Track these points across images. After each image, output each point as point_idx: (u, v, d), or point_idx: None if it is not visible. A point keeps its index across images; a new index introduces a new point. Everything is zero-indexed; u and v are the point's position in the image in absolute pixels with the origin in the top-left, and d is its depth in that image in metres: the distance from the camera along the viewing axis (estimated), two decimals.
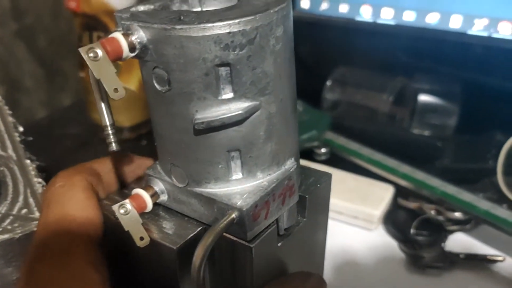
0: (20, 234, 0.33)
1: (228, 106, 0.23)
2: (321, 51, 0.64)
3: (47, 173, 0.37)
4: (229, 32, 0.21)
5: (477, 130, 0.58)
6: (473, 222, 0.48)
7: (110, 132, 0.25)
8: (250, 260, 0.25)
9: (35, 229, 0.33)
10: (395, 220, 0.49)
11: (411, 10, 0.54)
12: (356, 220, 0.50)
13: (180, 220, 0.27)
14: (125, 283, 0.28)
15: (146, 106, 0.65)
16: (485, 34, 0.52)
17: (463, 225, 0.48)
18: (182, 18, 0.22)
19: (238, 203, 0.24)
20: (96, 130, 0.65)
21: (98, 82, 0.24)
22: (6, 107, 0.39)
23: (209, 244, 0.23)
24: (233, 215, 0.24)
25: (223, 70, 0.22)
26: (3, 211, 0.33)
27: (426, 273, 0.45)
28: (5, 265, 0.33)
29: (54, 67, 0.83)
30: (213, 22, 0.21)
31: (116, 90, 0.22)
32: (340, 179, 0.53)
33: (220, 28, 0.21)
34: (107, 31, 0.57)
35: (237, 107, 0.23)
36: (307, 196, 0.29)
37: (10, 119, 0.38)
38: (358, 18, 0.57)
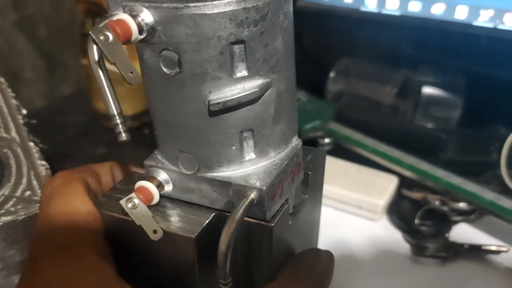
0: (23, 216, 0.32)
1: (243, 84, 0.23)
2: (325, 41, 0.64)
3: (50, 159, 0.37)
4: (244, 8, 0.21)
5: (480, 123, 0.57)
6: (477, 212, 0.48)
7: (118, 121, 0.23)
8: (269, 240, 0.25)
9: (38, 211, 0.33)
10: (399, 211, 0.49)
11: (416, 0, 0.54)
12: (360, 210, 0.49)
13: (188, 209, 0.26)
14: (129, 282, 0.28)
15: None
16: (490, 25, 0.52)
17: (467, 215, 0.48)
18: None
19: (257, 183, 0.24)
20: (98, 119, 0.64)
21: (102, 68, 0.22)
22: (9, 90, 0.38)
23: (234, 229, 0.23)
24: (252, 196, 0.24)
25: (237, 48, 0.22)
26: (6, 193, 0.33)
27: (430, 263, 0.45)
28: (7, 247, 0.33)
29: (54, 58, 0.83)
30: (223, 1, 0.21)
31: (131, 73, 0.21)
32: (344, 169, 0.53)
33: (235, 4, 0.21)
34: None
35: (251, 85, 0.23)
36: (309, 173, 0.29)
37: (14, 101, 0.38)
38: (363, 8, 0.57)
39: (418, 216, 0.47)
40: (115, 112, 0.23)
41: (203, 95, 0.23)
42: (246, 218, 0.25)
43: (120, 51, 0.21)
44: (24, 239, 0.33)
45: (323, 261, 0.28)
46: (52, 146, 0.41)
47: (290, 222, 0.27)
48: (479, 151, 0.56)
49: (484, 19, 0.52)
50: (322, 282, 0.27)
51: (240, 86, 0.23)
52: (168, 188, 0.26)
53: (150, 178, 0.26)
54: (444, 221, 0.47)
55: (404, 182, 0.51)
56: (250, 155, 0.25)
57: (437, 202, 0.48)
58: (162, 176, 0.26)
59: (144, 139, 0.63)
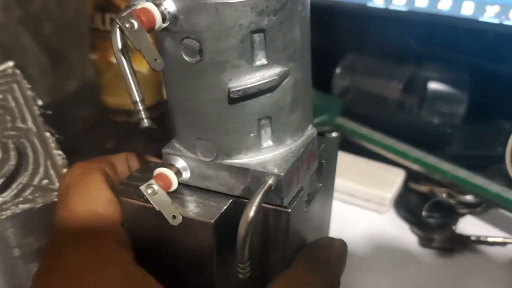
0: (40, 204, 0.33)
1: (262, 72, 0.23)
2: (331, 37, 0.64)
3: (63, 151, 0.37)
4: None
5: (485, 118, 0.58)
6: (484, 205, 0.48)
7: (140, 108, 0.24)
8: (286, 226, 0.25)
9: (56, 199, 0.33)
10: (407, 203, 0.50)
11: None
12: (367, 202, 0.50)
13: (206, 195, 0.27)
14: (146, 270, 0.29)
15: (157, 89, 0.65)
16: (496, 21, 0.53)
17: (474, 208, 0.48)
18: None
19: (276, 170, 0.24)
20: (107, 113, 0.65)
21: (126, 56, 0.23)
22: (25, 81, 0.39)
23: (254, 214, 0.23)
24: (270, 182, 0.24)
25: (257, 37, 0.22)
26: (24, 182, 0.34)
27: (437, 254, 0.45)
28: (24, 235, 0.33)
29: (59, 54, 0.83)
30: None
31: (156, 60, 0.22)
32: (351, 163, 0.53)
33: None
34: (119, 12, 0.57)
35: (270, 74, 0.23)
36: (323, 161, 0.29)
37: (30, 92, 0.38)
38: (370, 4, 0.58)
39: (425, 209, 0.48)
40: (138, 99, 0.23)
41: (223, 82, 0.23)
42: (263, 204, 0.25)
43: (145, 38, 0.21)
44: (41, 227, 0.33)
45: (337, 250, 0.28)
46: (62, 140, 0.42)
47: (305, 210, 0.27)
48: (484, 145, 0.56)
49: (490, 15, 0.52)
50: (336, 271, 0.27)
51: (260, 74, 0.23)
52: (186, 175, 0.27)
53: (169, 165, 0.26)
54: (451, 214, 0.48)
55: (411, 176, 0.52)
56: (267, 142, 0.25)
57: (444, 195, 0.49)
58: (180, 163, 0.26)
59: (153, 133, 0.63)
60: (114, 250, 0.24)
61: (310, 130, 0.27)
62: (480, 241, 0.46)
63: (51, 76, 0.83)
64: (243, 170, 0.25)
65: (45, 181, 0.34)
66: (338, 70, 0.63)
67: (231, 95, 0.23)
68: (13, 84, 0.38)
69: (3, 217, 0.31)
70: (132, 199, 0.27)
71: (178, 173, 0.27)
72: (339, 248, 0.28)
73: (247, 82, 0.23)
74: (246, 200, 0.25)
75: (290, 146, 0.26)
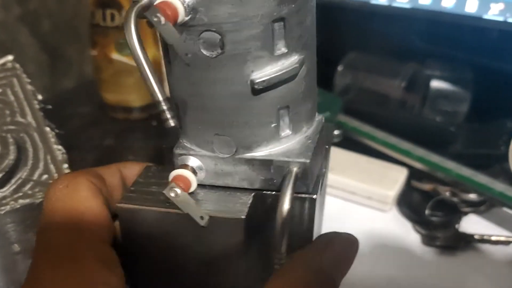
0: (40, 199, 0.32)
1: (282, 61, 0.23)
2: (333, 34, 0.64)
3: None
4: None
5: (489, 117, 0.58)
6: (487, 204, 0.48)
7: (165, 107, 0.22)
8: (312, 212, 0.25)
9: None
10: (409, 202, 0.49)
11: None
12: (370, 201, 0.50)
13: (223, 192, 0.26)
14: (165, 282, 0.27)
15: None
16: (500, 18, 0.52)
17: (477, 206, 0.48)
18: None
19: (301, 158, 0.24)
20: (106, 110, 0.64)
21: (144, 54, 0.21)
22: (25, 75, 0.38)
23: (290, 206, 0.23)
24: (296, 170, 0.24)
25: (277, 26, 0.22)
26: (23, 177, 0.33)
27: (440, 253, 0.45)
28: (24, 230, 0.33)
29: (57, 52, 0.82)
30: None
31: (187, 54, 0.21)
32: (353, 160, 0.53)
33: None
34: (120, 8, 0.56)
35: (289, 62, 0.23)
36: (327, 146, 0.29)
37: (29, 87, 0.38)
38: (373, 1, 0.57)
39: (429, 207, 0.48)
40: (161, 98, 0.22)
41: (246, 74, 0.23)
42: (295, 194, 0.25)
43: (175, 32, 0.21)
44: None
45: (337, 250, 0.26)
46: (60, 136, 0.41)
47: (320, 194, 0.27)
48: (487, 144, 0.56)
49: (494, 13, 0.52)
50: (330, 274, 0.25)
51: (280, 63, 0.23)
52: (201, 174, 0.26)
53: (183, 166, 0.25)
54: (454, 212, 0.48)
55: (414, 174, 0.52)
56: (285, 131, 0.25)
57: (447, 193, 0.49)
58: (195, 162, 0.26)
59: (152, 131, 0.63)
60: (93, 270, 0.23)
61: (318, 117, 0.28)
62: (483, 240, 0.45)
63: (49, 74, 0.82)
64: (266, 162, 0.25)
65: (44, 176, 0.33)
66: (340, 68, 0.63)
67: (256, 87, 0.23)
68: (12, 78, 0.38)
69: (3, 212, 0.31)
70: (150, 207, 0.25)
71: (194, 173, 0.26)
72: (339, 247, 0.26)
73: (269, 72, 0.23)
74: (268, 192, 0.26)
75: (306, 133, 0.26)
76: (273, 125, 0.25)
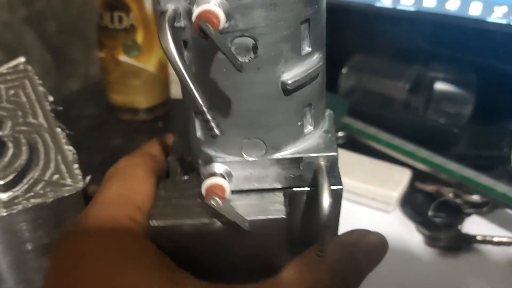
0: (51, 199, 0.33)
1: (308, 61, 0.24)
2: (338, 37, 0.64)
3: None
4: None
5: (492, 119, 0.58)
6: (490, 205, 0.48)
7: (209, 117, 0.22)
8: (339, 203, 0.26)
9: (66, 194, 0.34)
10: (413, 203, 0.50)
11: None
12: (373, 201, 0.50)
13: (254, 194, 0.26)
14: None
15: (163, 88, 0.66)
16: (504, 21, 0.53)
17: (480, 208, 0.48)
18: None
19: (329, 151, 0.25)
20: (113, 111, 0.65)
21: (185, 63, 0.21)
22: (36, 77, 0.39)
23: (331, 199, 0.23)
24: (324, 164, 0.25)
25: (303, 27, 0.23)
26: (35, 176, 0.34)
27: (443, 254, 0.46)
28: (35, 229, 0.33)
29: (63, 53, 0.83)
30: None
31: (238, 62, 0.21)
32: (357, 162, 0.53)
33: None
34: (128, 10, 0.57)
35: (313, 60, 0.24)
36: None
37: (41, 88, 0.38)
38: (377, 4, 0.58)
39: (432, 208, 0.48)
40: (205, 108, 0.22)
41: (277, 76, 0.23)
42: (310, 188, 0.26)
43: (223, 40, 0.20)
44: (52, 221, 0.33)
45: (366, 249, 0.27)
46: (69, 136, 0.42)
47: None
48: (490, 146, 0.57)
49: (498, 15, 0.53)
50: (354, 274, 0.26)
51: (306, 62, 0.24)
52: (231, 180, 0.26)
53: (214, 174, 0.25)
54: (457, 213, 0.48)
55: (417, 175, 0.52)
56: (308, 128, 0.26)
57: (450, 195, 0.49)
58: (223, 169, 0.26)
59: (158, 132, 0.64)
60: (146, 261, 0.23)
61: (328, 111, 0.28)
62: (485, 241, 0.46)
63: (55, 75, 0.83)
64: (295, 160, 0.25)
65: (56, 176, 0.34)
66: (344, 70, 0.63)
67: (289, 87, 0.23)
68: (24, 80, 0.38)
69: (15, 211, 0.32)
70: (187, 220, 0.25)
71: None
72: (370, 244, 0.27)
73: (297, 72, 0.23)
74: (297, 189, 0.26)
75: (323, 128, 0.27)
76: (299, 123, 0.25)
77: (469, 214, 0.48)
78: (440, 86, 0.60)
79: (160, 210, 0.25)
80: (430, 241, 0.46)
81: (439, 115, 0.60)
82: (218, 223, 0.24)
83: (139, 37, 0.59)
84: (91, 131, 0.64)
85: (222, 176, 0.25)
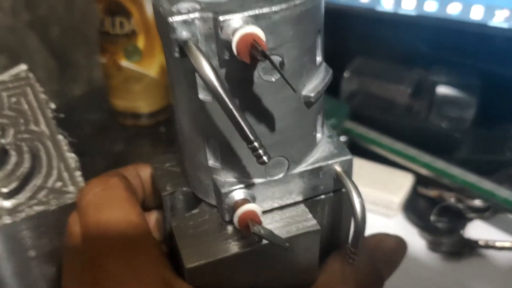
0: (54, 207, 0.33)
1: (320, 69, 0.24)
2: (340, 41, 0.64)
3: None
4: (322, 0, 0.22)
5: (494, 123, 0.58)
6: (492, 210, 0.48)
7: (257, 145, 0.21)
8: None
9: (69, 201, 0.34)
10: (415, 208, 0.50)
11: (432, 0, 0.55)
12: (375, 206, 0.50)
13: (273, 212, 0.26)
14: None
15: (165, 93, 0.66)
16: (505, 25, 0.53)
17: (482, 212, 0.48)
18: None
19: (345, 156, 0.25)
20: (115, 116, 0.65)
21: (225, 93, 0.20)
22: (38, 84, 0.39)
23: (363, 201, 0.24)
24: (339, 169, 0.25)
25: (318, 37, 0.23)
26: (38, 184, 0.34)
27: (445, 259, 0.45)
28: (38, 236, 0.34)
29: (66, 58, 0.83)
30: None
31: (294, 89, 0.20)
32: (359, 166, 0.53)
33: None
34: (129, 16, 0.57)
35: (323, 69, 0.24)
36: None
37: (43, 96, 0.39)
38: (379, 8, 0.58)
39: (434, 213, 0.48)
40: (253, 137, 0.20)
41: (300, 90, 0.23)
42: (329, 194, 0.26)
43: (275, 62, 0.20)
44: (54, 229, 0.34)
45: (386, 251, 0.27)
46: (71, 143, 0.42)
47: None
48: (492, 150, 0.57)
49: (499, 20, 0.53)
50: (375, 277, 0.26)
51: (319, 71, 0.24)
52: (256, 203, 0.25)
53: (242, 201, 0.24)
54: (459, 218, 0.48)
55: (420, 180, 0.52)
56: (318, 136, 0.26)
57: (452, 200, 0.49)
58: (247, 194, 0.25)
59: (160, 137, 0.64)
60: (155, 255, 0.24)
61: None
62: (488, 246, 0.46)
63: (59, 79, 0.83)
64: (315, 170, 0.25)
65: (58, 184, 0.34)
66: (346, 74, 0.63)
67: (312, 100, 0.23)
68: (26, 88, 0.39)
69: (18, 219, 0.32)
70: (223, 254, 0.24)
71: None
72: (390, 247, 0.27)
73: (316, 82, 0.23)
74: (316, 198, 0.26)
75: (327, 133, 0.27)
76: (314, 133, 0.25)
77: (471, 219, 0.48)
78: (442, 90, 0.60)
79: (190, 250, 0.24)
80: (433, 246, 0.46)
81: (441, 119, 0.60)
82: (256, 249, 0.24)
83: (140, 42, 0.59)
84: (93, 136, 0.64)
85: (249, 201, 0.24)
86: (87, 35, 0.82)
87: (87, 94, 0.81)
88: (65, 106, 0.75)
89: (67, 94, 0.83)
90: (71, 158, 0.36)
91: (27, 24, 0.74)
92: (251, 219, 0.23)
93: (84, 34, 0.82)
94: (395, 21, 0.58)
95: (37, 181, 0.34)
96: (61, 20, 0.80)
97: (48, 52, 0.80)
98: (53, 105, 0.38)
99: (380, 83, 0.62)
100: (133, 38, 0.58)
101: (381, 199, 0.50)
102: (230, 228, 0.26)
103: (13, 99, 0.38)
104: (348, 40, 0.66)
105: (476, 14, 0.53)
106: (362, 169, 0.53)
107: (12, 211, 0.32)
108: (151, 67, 0.61)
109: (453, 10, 0.54)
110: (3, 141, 0.35)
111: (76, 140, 0.38)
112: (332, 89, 0.62)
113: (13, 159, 0.34)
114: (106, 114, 0.68)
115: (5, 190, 0.32)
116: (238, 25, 0.20)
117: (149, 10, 0.58)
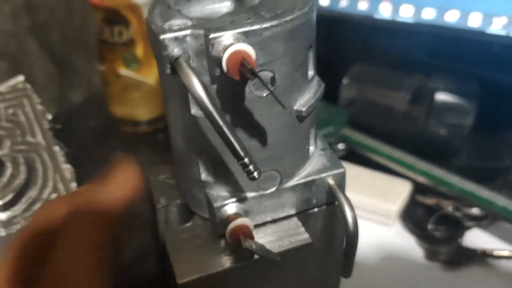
0: None
1: (313, 83, 0.24)
2: (338, 48, 0.64)
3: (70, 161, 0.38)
4: (314, 15, 0.23)
5: (493, 129, 0.58)
6: (490, 218, 0.48)
7: (247, 161, 0.21)
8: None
9: None
10: (413, 216, 0.50)
11: (430, 7, 0.55)
12: (373, 215, 0.50)
13: (266, 226, 0.26)
14: None
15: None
16: (503, 33, 0.53)
17: (480, 221, 0.48)
18: (264, 14, 0.21)
19: (337, 169, 0.25)
20: (114, 123, 0.65)
21: (215, 110, 0.20)
22: (35, 95, 0.39)
23: (355, 214, 0.24)
24: (332, 182, 0.25)
25: (309, 51, 0.23)
26: (33, 196, 0.34)
27: (443, 268, 0.45)
28: None
29: (66, 63, 0.84)
30: (308, 6, 0.21)
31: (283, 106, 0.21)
32: (357, 174, 0.53)
33: (311, 10, 0.22)
34: (128, 25, 0.58)
35: (315, 83, 0.24)
36: None
37: (39, 107, 0.39)
38: (376, 16, 0.58)
39: (432, 221, 0.48)
40: (243, 153, 0.21)
41: (292, 105, 0.23)
42: (323, 207, 0.26)
43: (263, 81, 0.20)
44: None
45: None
46: (68, 152, 0.42)
47: None
48: (491, 157, 0.56)
49: (497, 27, 0.53)
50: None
51: (311, 86, 0.24)
52: (248, 216, 0.25)
53: (235, 215, 0.24)
54: (457, 227, 0.48)
55: (418, 188, 0.52)
56: (311, 149, 0.26)
57: (450, 208, 0.49)
58: (239, 208, 0.25)
59: (159, 144, 0.64)
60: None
61: None
62: (486, 255, 0.45)
63: (58, 84, 0.84)
64: (308, 184, 0.25)
65: (54, 195, 0.34)
66: (345, 81, 0.63)
67: (304, 114, 0.23)
68: (23, 99, 0.39)
69: (14, 230, 0.32)
70: (215, 268, 0.24)
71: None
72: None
73: (307, 97, 0.23)
74: (307, 211, 0.26)
75: (319, 146, 0.27)
76: (307, 147, 0.25)
77: (469, 228, 0.48)
78: (441, 97, 0.60)
79: (183, 266, 0.25)
80: (431, 254, 0.46)
81: (440, 126, 0.60)
82: (248, 263, 0.24)
83: (139, 51, 0.59)
84: (92, 144, 0.64)
85: (241, 215, 0.24)
86: (87, 41, 0.82)
87: (87, 100, 0.81)
88: (64, 112, 0.75)
89: (66, 100, 0.83)
90: (67, 169, 0.36)
91: (27, 30, 0.75)
92: (243, 234, 0.23)
93: (84, 40, 0.82)
94: (393, 28, 0.58)
95: (32, 193, 0.34)
96: (61, 25, 0.81)
97: (47, 58, 0.80)
98: (49, 116, 0.39)
99: (378, 90, 0.62)
100: (132, 46, 0.59)
101: (379, 207, 0.49)
102: (222, 242, 0.26)
103: (10, 110, 0.38)
104: (346, 47, 0.66)
105: (474, 21, 0.53)
106: (360, 176, 0.53)
107: (7, 223, 0.32)
108: (150, 75, 0.61)
109: (451, 17, 0.54)
110: None
111: (74, 148, 0.38)
112: (330, 96, 0.62)
113: (9, 171, 0.34)
114: (105, 120, 0.68)
115: (0, 202, 0.32)
116: (228, 43, 0.20)
117: None
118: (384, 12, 0.57)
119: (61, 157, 0.36)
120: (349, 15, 0.60)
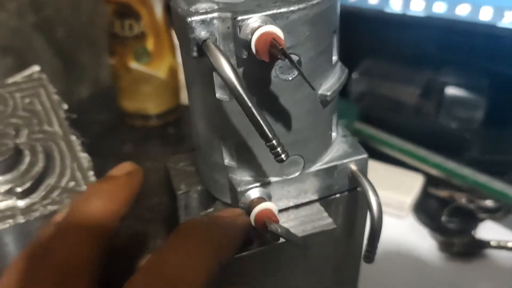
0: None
1: (335, 69, 0.24)
2: (348, 42, 0.64)
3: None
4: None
5: (504, 123, 0.58)
6: (503, 210, 0.48)
7: (276, 143, 0.20)
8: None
9: None
10: (426, 208, 0.50)
11: (441, 1, 0.55)
12: (387, 207, 0.50)
13: (289, 211, 0.26)
14: None
15: (174, 94, 0.66)
16: None
17: (493, 213, 0.48)
18: None
19: (360, 155, 0.26)
20: (124, 117, 0.65)
21: (245, 93, 0.20)
22: (51, 85, 0.39)
23: (379, 200, 0.24)
24: (355, 167, 0.25)
25: (334, 36, 0.23)
26: (51, 183, 0.34)
27: (456, 259, 0.45)
28: None
29: (72, 59, 0.84)
30: None
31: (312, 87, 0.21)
32: (370, 168, 0.53)
33: None
34: (138, 18, 0.58)
35: (338, 68, 0.24)
36: None
37: (55, 96, 0.39)
38: (387, 10, 0.58)
39: (445, 214, 0.48)
40: (271, 136, 0.20)
41: (316, 89, 0.23)
42: (343, 193, 0.26)
43: (295, 63, 0.20)
44: None
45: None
46: (83, 143, 0.42)
47: None
48: (502, 151, 0.56)
49: (508, 20, 0.53)
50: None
51: (335, 71, 0.24)
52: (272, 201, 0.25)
53: (257, 200, 0.24)
54: (470, 219, 0.48)
55: (430, 180, 0.52)
56: (333, 135, 0.26)
57: (463, 200, 0.49)
58: (263, 193, 0.25)
59: (169, 138, 0.64)
60: None
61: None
62: (500, 246, 0.45)
63: (65, 80, 0.84)
64: (330, 169, 0.25)
65: (71, 183, 0.34)
66: (355, 75, 0.63)
67: (328, 99, 0.23)
68: (39, 89, 0.39)
69: (32, 218, 0.32)
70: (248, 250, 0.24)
71: None
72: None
73: (331, 81, 0.23)
74: (329, 197, 0.26)
75: (340, 132, 0.27)
76: (329, 132, 0.25)
77: (482, 220, 0.48)
78: (451, 90, 0.60)
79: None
80: (444, 246, 0.46)
81: (450, 120, 0.60)
82: (272, 247, 0.24)
83: (150, 44, 0.59)
84: (102, 137, 0.64)
85: (265, 200, 0.24)
86: (93, 36, 0.82)
87: (94, 95, 0.81)
88: (72, 107, 0.75)
89: (73, 95, 0.83)
90: (84, 158, 0.36)
91: (33, 26, 0.75)
92: (268, 218, 0.23)
93: (90, 35, 0.83)
94: (404, 22, 0.58)
95: (51, 181, 0.34)
96: (67, 21, 0.81)
97: (54, 53, 0.80)
98: (66, 106, 0.38)
99: (389, 84, 0.62)
100: (142, 40, 0.59)
101: (392, 200, 0.49)
102: None
103: (27, 100, 0.38)
104: (357, 41, 0.66)
105: (485, 15, 0.53)
106: (372, 170, 0.53)
107: (26, 211, 0.32)
108: (160, 69, 0.61)
109: (462, 11, 0.54)
110: (17, 141, 0.35)
111: (88, 141, 0.38)
112: (341, 89, 0.62)
113: (27, 159, 0.34)
114: (114, 115, 0.68)
115: (19, 189, 0.32)
116: (257, 25, 0.20)
117: (158, 12, 0.59)
118: (395, 6, 0.57)
119: (78, 146, 0.36)
120: (360, 9, 0.60)
